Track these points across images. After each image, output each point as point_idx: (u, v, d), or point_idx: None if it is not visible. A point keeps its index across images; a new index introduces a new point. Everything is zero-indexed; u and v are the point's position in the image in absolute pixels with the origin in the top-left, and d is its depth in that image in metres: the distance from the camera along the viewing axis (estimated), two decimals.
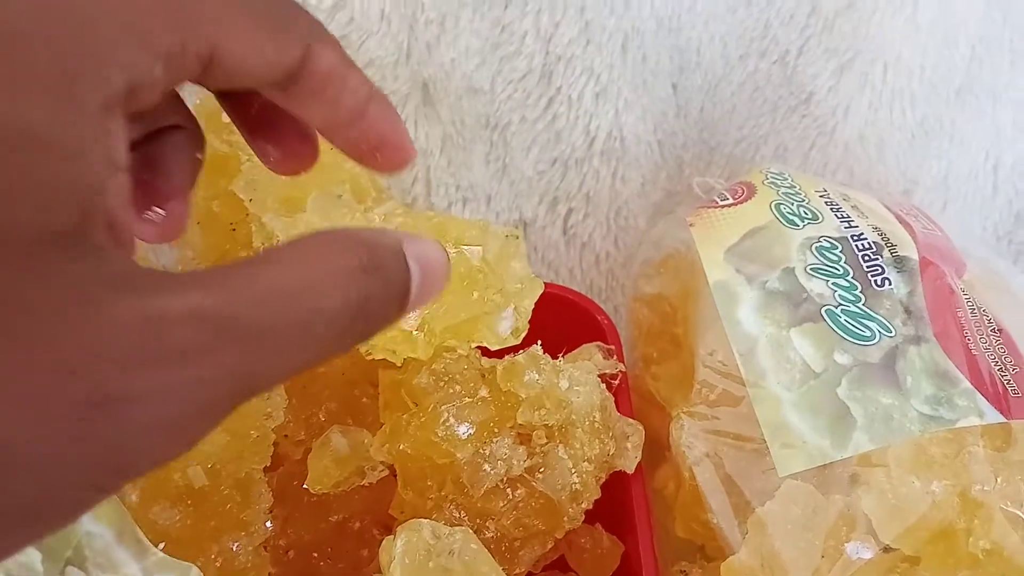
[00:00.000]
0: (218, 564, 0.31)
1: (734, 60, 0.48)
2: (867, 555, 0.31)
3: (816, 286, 0.36)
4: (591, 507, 0.37)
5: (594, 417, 0.37)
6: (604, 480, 0.38)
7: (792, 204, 0.39)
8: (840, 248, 0.37)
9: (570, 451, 0.36)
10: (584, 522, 0.37)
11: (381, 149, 0.25)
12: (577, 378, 0.36)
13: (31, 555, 0.30)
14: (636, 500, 0.37)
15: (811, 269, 0.37)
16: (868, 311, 0.35)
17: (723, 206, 0.40)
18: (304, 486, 0.35)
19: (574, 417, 0.36)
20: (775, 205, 0.39)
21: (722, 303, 0.37)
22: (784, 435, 0.33)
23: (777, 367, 0.34)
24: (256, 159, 0.39)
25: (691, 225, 0.40)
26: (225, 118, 0.41)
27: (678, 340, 0.41)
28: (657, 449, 0.39)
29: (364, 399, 0.38)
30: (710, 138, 0.50)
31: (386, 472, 0.35)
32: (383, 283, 0.19)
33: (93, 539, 0.29)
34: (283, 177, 0.39)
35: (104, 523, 0.29)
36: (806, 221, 0.38)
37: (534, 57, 0.46)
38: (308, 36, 0.22)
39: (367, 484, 0.35)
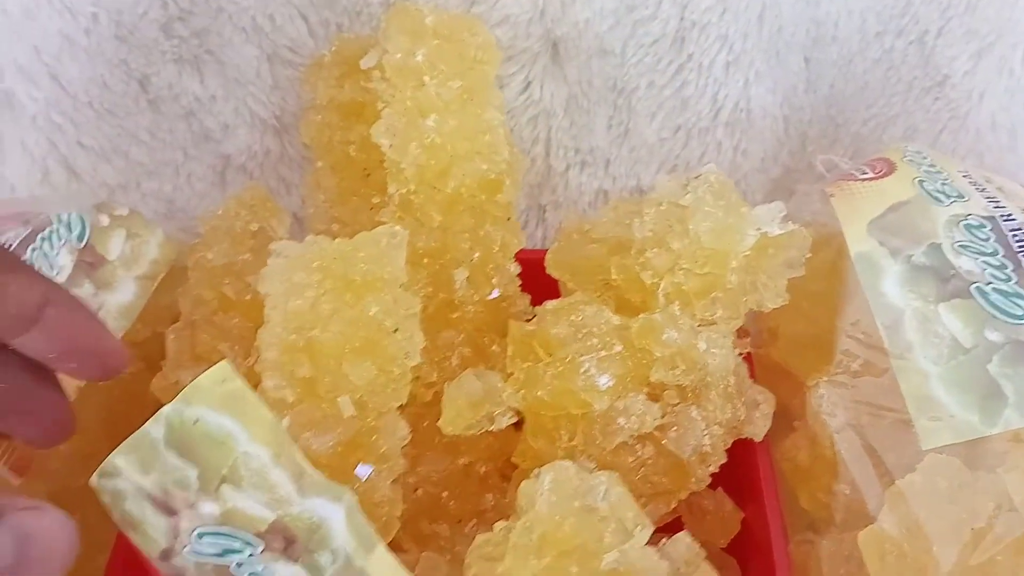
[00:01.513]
0: (357, 494, 0.31)
1: (871, 36, 0.47)
2: (1012, 534, 0.31)
3: (964, 263, 0.35)
4: (717, 471, 0.37)
5: (728, 381, 0.36)
6: (728, 446, 0.37)
7: (935, 182, 0.39)
8: (989, 227, 0.36)
9: (703, 412, 0.36)
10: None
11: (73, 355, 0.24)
12: (715, 340, 0.35)
13: (187, 472, 0.30)
14: (763, 468, 0.37)
15: (959, 246, 0.36)
16: (1021, 290, 0.34)
17: (863, 179, 0.40)
18: (437, 424, 0.35)
19: (709, 379, 0.36)
20: (918, 181, 0.39)
21: (865, 275, 0.36)
22: (930, 408, 0.33)
23: (924, 341, 0.34)
24: (397, 104, 0.39)
25: (831, 196, 0.39)
26: (364, 63, 0.41)
27: (806, 311, 0.40)
28: (781, 421, 0.39)
29: (493, 347, 0.38)
30: (838, 115, 0.49)
31: (515, 419, 0.36)
32: None
33: (249, 459, 0.29)
34: (428, 123, 0.39)
35: (260, 443, 0.29)
36: (951, 199, 0.38)
37: (668, 22, 0.46)
38: None
39: (494, 430, 0.35)
